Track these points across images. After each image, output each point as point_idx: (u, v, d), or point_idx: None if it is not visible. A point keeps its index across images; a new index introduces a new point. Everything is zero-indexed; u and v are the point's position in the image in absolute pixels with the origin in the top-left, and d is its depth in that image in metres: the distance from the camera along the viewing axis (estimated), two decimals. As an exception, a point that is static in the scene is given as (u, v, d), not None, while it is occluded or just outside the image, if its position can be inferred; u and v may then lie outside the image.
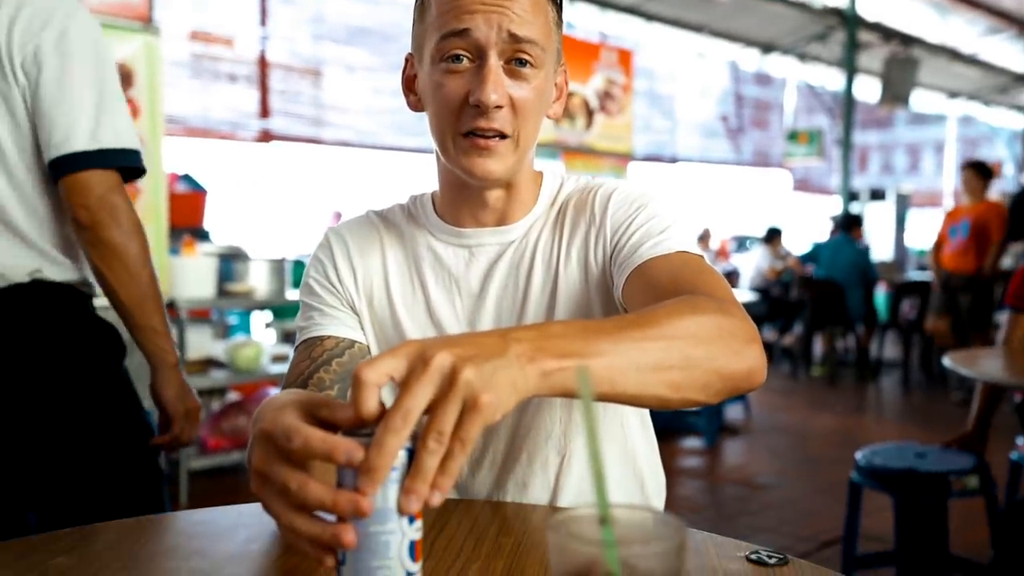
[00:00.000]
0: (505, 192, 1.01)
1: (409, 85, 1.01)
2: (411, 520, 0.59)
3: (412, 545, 0.59)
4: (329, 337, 1.01)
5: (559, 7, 0.97)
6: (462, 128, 0.91)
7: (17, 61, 1.32)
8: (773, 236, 8.18)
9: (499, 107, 0.89)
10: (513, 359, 0.60)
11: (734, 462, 4.62)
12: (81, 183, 1.34)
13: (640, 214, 0.97)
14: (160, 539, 0.87)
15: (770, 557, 0.80)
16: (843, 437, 5.08)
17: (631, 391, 0.69)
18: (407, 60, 1.01)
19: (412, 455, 0.59)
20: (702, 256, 0.94)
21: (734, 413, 5.47)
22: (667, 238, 0.93)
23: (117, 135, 1.37)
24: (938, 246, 6.02)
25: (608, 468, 1.03)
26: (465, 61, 0.90)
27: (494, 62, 0.89)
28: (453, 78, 0.90)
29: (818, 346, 7.43)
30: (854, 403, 6.17)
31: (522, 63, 0.90)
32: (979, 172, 5.77)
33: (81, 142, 1.34)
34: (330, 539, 0.56)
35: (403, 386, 0.57)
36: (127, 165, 1.39)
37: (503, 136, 0.91)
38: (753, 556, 0.80)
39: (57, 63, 1.33)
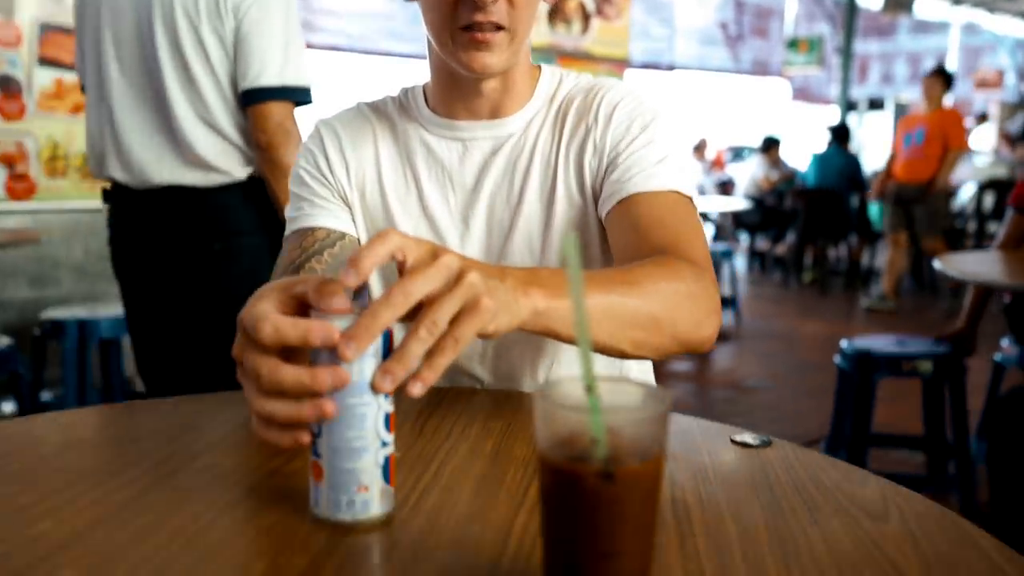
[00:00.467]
0: (500, 83, 0.98)
1: None
2: (386, 394, 0.60)
3: (387, 417, 0.61)
4: (320, 228, 1.00)
5: None
6: (459, 22, 0.89)
7: (230, 7, 1.65)
8: (770, 146, 8.11)
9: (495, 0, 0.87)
10: (511, 288, 0.63)
11: (724, 366, 4.69)
12: (264, 112, 1.68)
13: (641, 135, 0.96)
14: (144, 422, 0.88)
15: (754, 439, 0.82)
16: (832, 343, 5.13)
17: (600, 340, 0.73)
18: None
19: (388, 343, 0.60)
20: (690, 198, 0.94)
21: (724, 319, 5.53)
22: (661, 172, 0.93)
23: (298, 74, 1.71)
24: (893, 157, 5.81)
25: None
26: None
27: None
28: None
29: (810, 256, 7.46)
30: (844, 311, 6.23)
31: None
32: (943, 79, 5.63)
33: (269, 79, 1.67)
34: (311, 413, 0.56)
35: (410, 270, 0.58)
36: (302, 100, 1.73)
37: (500, 28, 0.89)
38: (737, 439, 0.82)
39: (256, 12, 1.66)
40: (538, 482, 0.52)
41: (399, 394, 0.59)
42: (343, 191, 1.02)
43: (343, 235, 1.01)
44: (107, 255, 1.88)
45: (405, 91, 1.07)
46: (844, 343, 2.62)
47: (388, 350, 0.61)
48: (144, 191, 1.76)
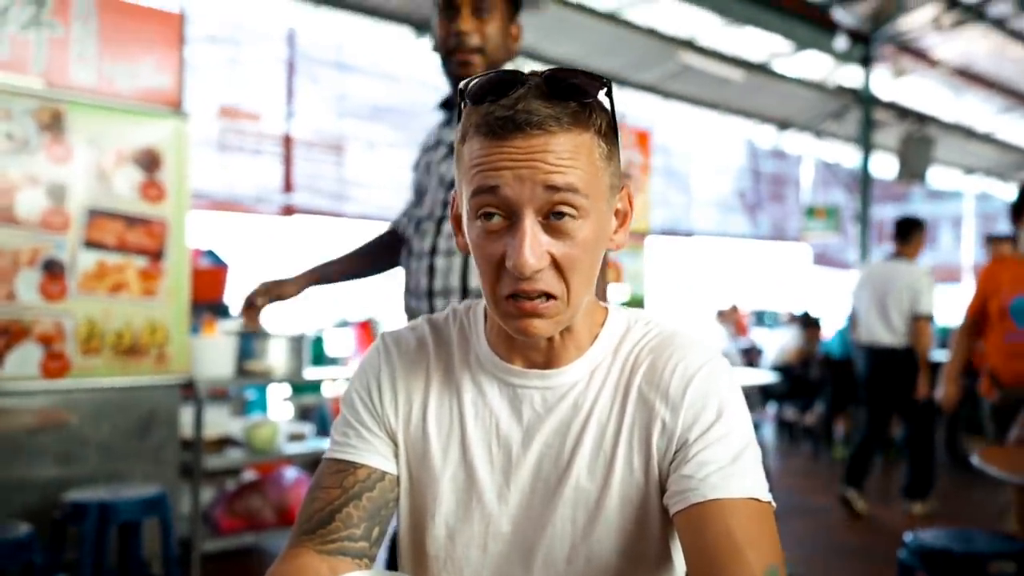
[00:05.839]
0: (557, 335, 0.93)
1: (458, 224, 0.94)
2: None
3: None
4: (363, 467, 0.97)
5: (612, 135, 0.87)
6: (504, 291, 0.85)
7: None
8: (811, 324, 8.01)
9: (538, 271, 0.83)
10: None
11: (756, 549, 4.49)
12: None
13: (716, 426, 0.90)
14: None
15: None
16: (869, 524, 4.95)
17: None
18: (454, 199, 0.96)
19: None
20: (767, 503, 0.89)
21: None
22: (736, 473, 0.87)
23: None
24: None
25: None
26: (499, 219, 0.84)
27: (529, 223, 0.82)
28: (489, 239, 0.85)
29: (841, 427, 7.30)
30: (879, 486, 6.03)
31: (561, 216, 0.83)
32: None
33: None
34: None
35: None
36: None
37: (550, 296, 0.85)
38: None
39: None
40: None
41: None
42: (389, 425, 0.99)
43: (383, 475, 0.98)
44: (133, 433, 1.86)
45: (468, 311, 1.04)
46: (909, 536, 2.51)
47: None
48: None
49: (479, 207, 0.84)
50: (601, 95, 0.85)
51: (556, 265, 0.84)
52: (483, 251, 0.86)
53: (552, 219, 0.83)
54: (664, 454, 0.91)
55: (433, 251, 1.80)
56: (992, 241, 5.73)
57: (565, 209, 0.83)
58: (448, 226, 1.74)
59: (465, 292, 1.77)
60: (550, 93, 0.83)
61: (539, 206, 0.83)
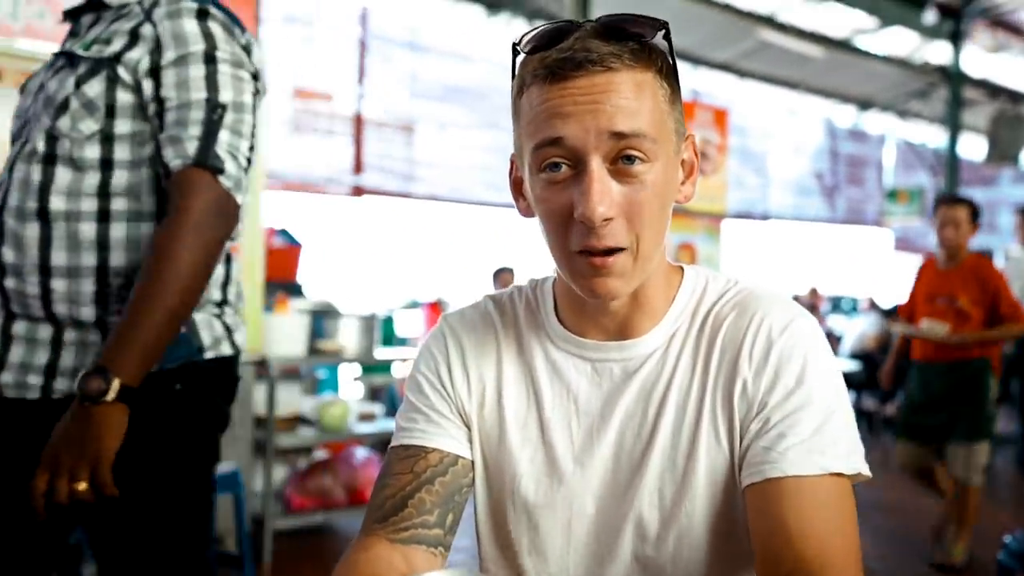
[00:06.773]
0: (630, 299, 0.88)
1: (518, 188, 0.91)
2: None
3: None
4: (434, 451, 0.92)
5: (674, 78, 0.84)
6: (573, 247, 0.81)
7: None
8: (892, 311, 7.80)
9: (608, 219, 0.78)
10: None
11: (834, 543, 4.34)
12: None
13: (797, 393, 0.83)
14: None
15: None
16: (954, 520, 4.74)
17: None
18: (512, 162, 0.92)
19: None
20: (852, 475, 0.82)
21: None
22: (817, 447, 0.81)
23: None
24: None
25: None
26: (564, 168, 0.80)
27: (596, 167, 0.78)
28: (554, 190, 0.81)
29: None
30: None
31: (630, 160, 0.79)
32: None
33: None
34: None
35: None
36: None
37: (620, 249, 0.80)
38: None
39: None
40: None
41: None
42: (462, 406, 0.94)
43: (456, 459, 0.93)
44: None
45: (534, 287, 0.99)
46: (1008, 539, 2.37)
47: None
48: None
49: (543, 160, 0.80)
50: (659, 38, 0.82)
51: (625, 214, 0.80)
52: (549, 204, 0.81)
53: (621, 163, 0.79)
54: (745, 416, 0.85)
55: (43, 212, 1.32)
56: None
57: (633, 153, 0.79)
58: (64, 176, 1.32)
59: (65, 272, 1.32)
60: (607, 34, 0.80)
61: (606, 152, 0.79)
